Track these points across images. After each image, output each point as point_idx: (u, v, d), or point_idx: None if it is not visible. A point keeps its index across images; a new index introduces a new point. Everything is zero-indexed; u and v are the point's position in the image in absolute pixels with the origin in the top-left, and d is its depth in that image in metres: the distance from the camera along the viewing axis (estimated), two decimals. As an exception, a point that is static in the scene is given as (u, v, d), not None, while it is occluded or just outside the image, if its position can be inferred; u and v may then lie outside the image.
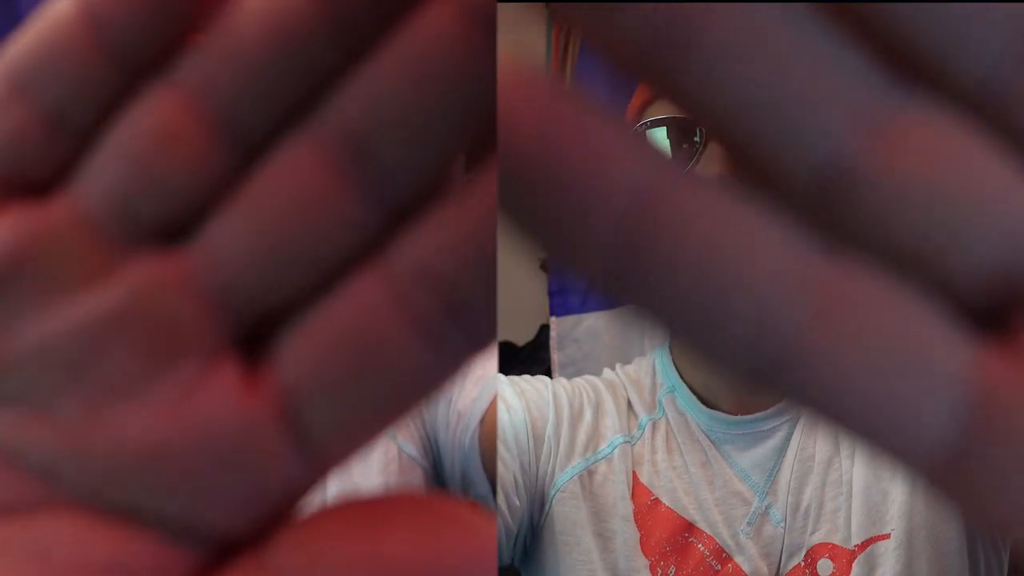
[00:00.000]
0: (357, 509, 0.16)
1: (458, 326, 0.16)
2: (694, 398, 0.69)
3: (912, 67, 0.13)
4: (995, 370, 0.12)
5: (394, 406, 0.16)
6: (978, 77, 0.13)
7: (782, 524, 0.66)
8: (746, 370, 0.13)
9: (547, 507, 0.69)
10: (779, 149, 0.13)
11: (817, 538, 0.65)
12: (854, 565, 0.64)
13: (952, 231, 0.12)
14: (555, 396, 0.71)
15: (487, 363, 0.74)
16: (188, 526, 0.16)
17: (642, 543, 0.67)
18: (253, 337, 0.17)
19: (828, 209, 0.13)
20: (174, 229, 0.16)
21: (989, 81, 0.13)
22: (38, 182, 0.17)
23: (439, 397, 0.73)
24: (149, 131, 0.16)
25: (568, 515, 0.68)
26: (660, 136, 0.62)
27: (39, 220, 0.16)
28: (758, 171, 0.13)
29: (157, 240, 0.16)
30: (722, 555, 0.66)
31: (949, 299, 0.13)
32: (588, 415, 0.70)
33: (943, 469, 0.13)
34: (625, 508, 0.67)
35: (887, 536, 0.64)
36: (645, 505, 0.67)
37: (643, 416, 0.70)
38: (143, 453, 0.16)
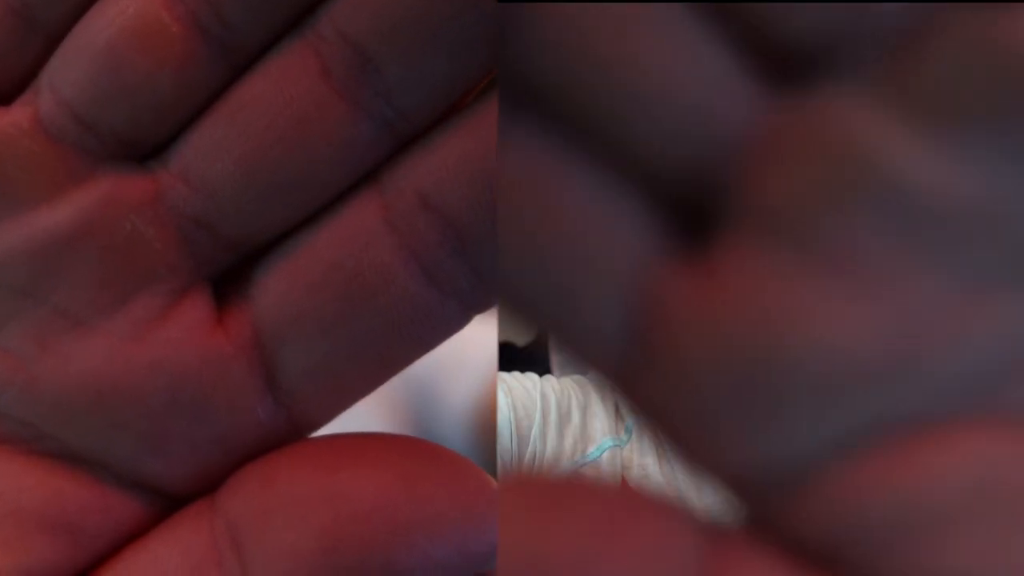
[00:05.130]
0: (322, 447, 0.15)
1: (464, 263, 0.14)
2: None
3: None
4: (674, 282, 0.11)
5: (386, 352, 0.14)
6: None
7: (773, 533, 0.64)
8: None
9: (532, 511, 0.67)
10: None
11: (809, 548, 0.63)
12: None
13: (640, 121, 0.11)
14: (543, 396, 0.69)
15: (481, 356, 0.73)
16: (138, 473, 0.15)
17: (629, 550, 0.65)
18: (231, 271, 0.15)
19: None
20: (145, 143, 0.14)
21: None
22: (1, 93, 0.14)
23: (431, 390, 0.72)
24: (121, 25, 0.14)
25: (554, 520, 0.66)
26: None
27: None
28: None
29: (125, 155, 0.14)
30: (711, 564, 0.64)
31: (646, 201, 0.11)
32: (576, 417, 0.68)
33: (619, 373, 0.12)
34: (612, 514, 0.66)
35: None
36: (633, 511, 0.66)
37: (630, 419, 0.68)
38: (93, 389, 0.14)
